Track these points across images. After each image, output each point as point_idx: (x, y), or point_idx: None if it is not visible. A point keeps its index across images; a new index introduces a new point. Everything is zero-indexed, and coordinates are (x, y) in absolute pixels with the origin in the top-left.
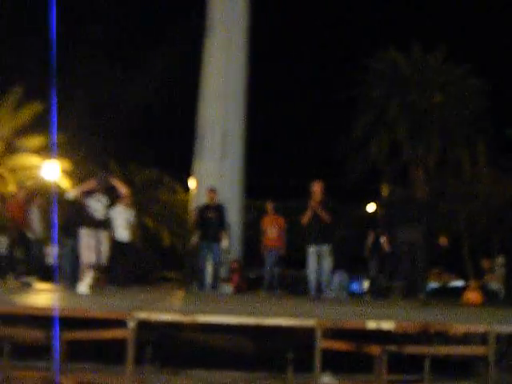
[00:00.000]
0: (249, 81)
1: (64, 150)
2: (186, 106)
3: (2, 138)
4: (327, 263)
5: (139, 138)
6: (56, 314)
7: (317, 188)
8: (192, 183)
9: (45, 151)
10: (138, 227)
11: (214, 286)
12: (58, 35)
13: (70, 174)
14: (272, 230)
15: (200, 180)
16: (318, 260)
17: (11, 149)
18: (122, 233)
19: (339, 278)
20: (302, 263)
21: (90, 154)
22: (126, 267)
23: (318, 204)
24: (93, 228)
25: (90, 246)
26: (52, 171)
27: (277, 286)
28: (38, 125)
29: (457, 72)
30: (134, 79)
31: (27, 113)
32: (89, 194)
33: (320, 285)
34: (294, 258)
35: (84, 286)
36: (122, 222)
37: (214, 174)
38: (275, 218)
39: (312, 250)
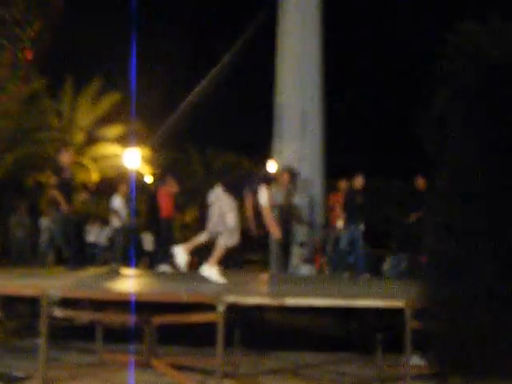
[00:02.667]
0: (325, 60)
1: (143, 138)
2: (263, 88)
3: (83, 128)
4: None
5: (217, 122)
6: (146, 298)
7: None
8: (272, 165)
9: (125, 140)
10: None
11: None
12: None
13: (150, 162)
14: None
15: (279, 161)
16: None
17: (92, 139)
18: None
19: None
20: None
21: (169, 141)
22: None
23: None
24: None
25: None
26: (133, 159)
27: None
28: (118, 114)
29: None
30: (210, 65)
31: (106, 103)
32: None
33: None
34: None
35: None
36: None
37: (294, 154)
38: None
39: None
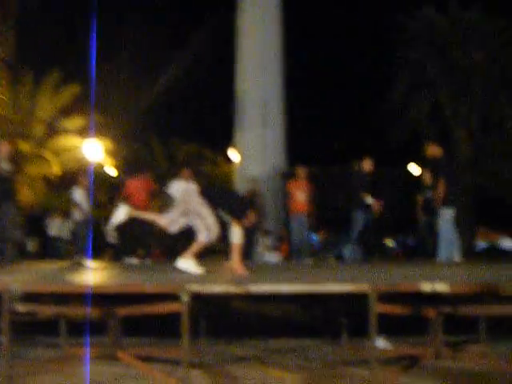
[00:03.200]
0: (285, 49)
1: (105, 130)
2: (224, 79)
3: (42, 120)
4: None
5: (179, 113)
6: (108, 290)
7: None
8: (234, 155)
9: (86, 132)
10: None
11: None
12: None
13: (112, 154)
14: (301, 194)
15: (242, 150)
16: None
17: (53, 131)
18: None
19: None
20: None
21: (132, 132)
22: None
23: None
24: None
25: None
26: (94, 151)
27: (307, 252)
28: (78, 106)
29: (496, 27)
30: (172, 57)
31: (66, 94)
32: None
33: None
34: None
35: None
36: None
37: (256, 143)
38: (304, 182)
39: None
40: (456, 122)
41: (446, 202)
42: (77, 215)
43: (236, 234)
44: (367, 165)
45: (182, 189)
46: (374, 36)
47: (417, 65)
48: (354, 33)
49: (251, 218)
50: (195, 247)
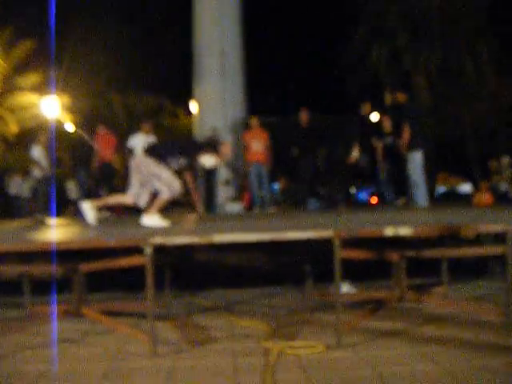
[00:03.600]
0: None
1: (62, 86)
2: (182, 28)
3: None
4: None
5: (137, 66)
6: (70, 246)
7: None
8: (193, 106)
9: (43, 88)
10: None
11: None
12: None
13: (70, 109)
14: (257, 144)
15: (201, 102)
16: None
17: (8, 88)
18: None
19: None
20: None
21: (90, 87)
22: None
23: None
24: None
25: None
26: (52, 108)
27: (268, 202)
28: (34, 62)
29: None
30: (133, 12)
31: (21, 51)
32: None
33: None
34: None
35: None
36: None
37: (215, 94)
38: (259, 132)
39: None
40: (415, 68)
41: (415, 147)
42: (36, 173)
43: (208, 160)
44: (303, 117)
45: (141, 142)
46: None
47: (376, 12)
48: None
49: (225, 149)
50: (158, 203)
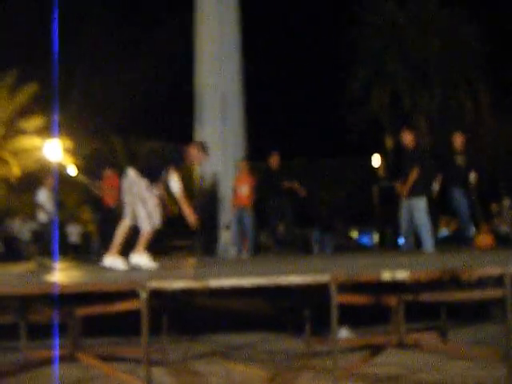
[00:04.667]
0: (244, 42)
1: (65, 129)
2: (185, 75)
3: (1, 121)
4: None
5: (140, 111)
6: (67, 290)
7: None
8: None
9: (45, 132)
10: None
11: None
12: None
13: (72, 153)
14: (243, 188)
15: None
16: None
17: (12, 131)
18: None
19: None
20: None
21: (92, 131)
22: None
23: None
24: None
25: None
26: (54, 151)
27: (253, 247)
28: (37, 106)
29: (453, 18)
30: (134, 56)
31: (25, 94)
32: None
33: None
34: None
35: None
36: None
37: (216, 138)
38: (246, 176)
39: None
40: (416, 111)
41: (420, 193)
42: (42, 216)
43: (175, 183)
44: (458, 141)
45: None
46: (335, 30)
47: (377, 57)
48: (316, 26)
49: (193, 152)
50: (142, 241)
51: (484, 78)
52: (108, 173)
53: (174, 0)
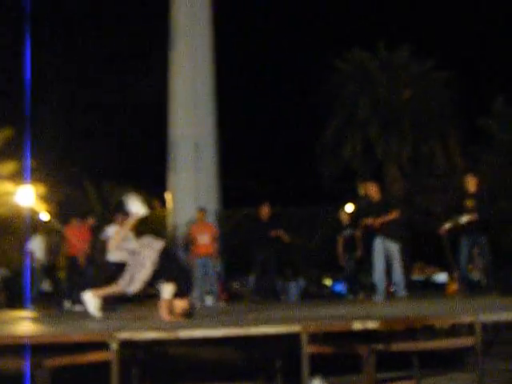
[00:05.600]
0: (217, 89)
1: (38, 175)
2: (159, 122)
3: None
4: None
5: (114, 158)
6: (37, 340)
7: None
8: (168, 197)
9: (18, 177)
10: None
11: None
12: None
13: (45, 199)
14: (203, 237)
15: (175, 193)
16: None
17: None
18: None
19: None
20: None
21: (65, 177)
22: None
23: None
24: None
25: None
26: (27, 197)
27: (219, 296)
28: (9, 151)
29: (422, 67)
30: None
31: None
32: None
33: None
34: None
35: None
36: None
37: (189, 185)
38: (205, 224)
39: None
40: (387, 159)
41: (395, 237)
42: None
43: (167, 291)
44: (471, 183)
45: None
46: (305, 77)
47: (348, 104)
48: (286, 74)
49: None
50: (108, 290)
51: (455, 125)
52: (73, 222)
53: (148, 54)
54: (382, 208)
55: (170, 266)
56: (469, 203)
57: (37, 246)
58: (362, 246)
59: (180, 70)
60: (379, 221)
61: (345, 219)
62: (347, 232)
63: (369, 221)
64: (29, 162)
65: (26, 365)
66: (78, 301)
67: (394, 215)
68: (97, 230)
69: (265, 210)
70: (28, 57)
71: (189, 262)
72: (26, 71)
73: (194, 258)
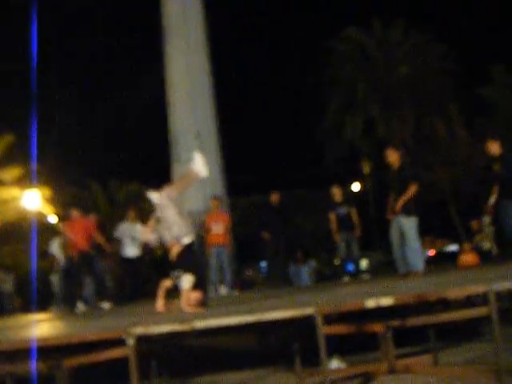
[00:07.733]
0: (215, 79)
1: (43, 178)
2: (160, 116)
3: None
4: None
5: (118, 156)
6: (52, 342)
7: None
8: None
9: (23, 182)
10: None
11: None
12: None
13: (52, 201)
14: (217, 226)
15: None
16: None
17: None
18: (130, 249)
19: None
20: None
21: (70, 178)
22: (136, 283)
23: None
24: None
25: None
26: (33, 201)
27: (232, 285)
28: (12, 156)
29: (418, 41)
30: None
31: (1, 145)
32: None
33: None
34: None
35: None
36: (129, 238)
37: None
38: (220, 213)
39: None
40: (389, 137)
41: (412, 212)
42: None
43: (187, 281)
44: (273, 197)
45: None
46: (304, 60)
47: (348, 84)
48: (285, 58)
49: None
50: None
51: (455, 97)
52: (74, 214)
53: (147, 51)
54: (401, 179)
55: (191, 258)
56: (496, 167)
57: (56, 249)
58: (360, 223)
59: (175, 63)
60: (400, 204)
61: (337, 195)
62: (342, 209)
63: (390, 215)
64: (34, 166)
65: (43, 366)
66: (85, 300)
67: (412, 190)
68: (103, 228)
69: (275, 197)
70: (34, 58)
71: (203, 251)
72: (31, 72)
73: (208, 248)
